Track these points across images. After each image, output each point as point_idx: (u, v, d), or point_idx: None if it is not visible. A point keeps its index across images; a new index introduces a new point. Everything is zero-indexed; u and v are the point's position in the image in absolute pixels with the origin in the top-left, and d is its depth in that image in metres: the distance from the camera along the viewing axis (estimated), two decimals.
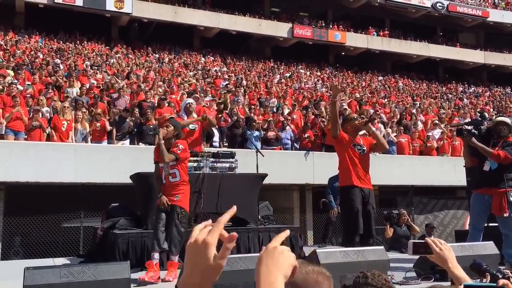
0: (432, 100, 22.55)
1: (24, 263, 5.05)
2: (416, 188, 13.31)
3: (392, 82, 27.90)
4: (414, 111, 17.15)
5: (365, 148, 5.90)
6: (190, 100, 7.92)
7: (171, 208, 5.29)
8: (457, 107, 21.34)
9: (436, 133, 14.49)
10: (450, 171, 12.63)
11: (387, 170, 12.68)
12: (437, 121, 15.15)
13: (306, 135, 12.70)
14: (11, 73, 13.67)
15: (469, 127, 5.81)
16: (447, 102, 22.99)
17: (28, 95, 11.57)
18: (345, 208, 5.78)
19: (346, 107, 13.78)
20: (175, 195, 5.34)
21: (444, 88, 29.00)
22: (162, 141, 5.32)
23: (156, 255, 5.24)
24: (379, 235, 12.00)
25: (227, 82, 18.30)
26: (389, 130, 13.77)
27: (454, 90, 28.63)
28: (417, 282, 4.81)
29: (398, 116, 15.91)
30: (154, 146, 5.73)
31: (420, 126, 14.89)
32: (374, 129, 5.79)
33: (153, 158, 5.60)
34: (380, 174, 12.53)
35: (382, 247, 5.03)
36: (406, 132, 14.26)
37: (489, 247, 5.21)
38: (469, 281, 2.06)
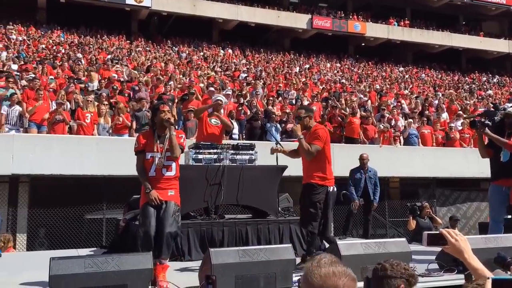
0: (454, 91, 22.16)
1: (49, 254, 5.16)
2: (439, 180, 13.14)
3: (414, 72, 27.50)
4: (436, 102, 16.88)
5: None
6: (220, 97, 7.68)
7: (165, 204, 4.58)
8: (480, 97, 20.93)
9: (460, 124, 14.26)
10: (473, 162, 12.40)
11: (408, 162, 12.54)
12: (460, 112, 14.89)
13: (327, 127, 12.62)
14: (35, 67, 13.88)
15: (482, 119, 5.73)
16: (469, 93, 22.57)
17: (50, 89, 11.74)
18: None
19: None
20: (168, 190, 4.66)
21: (467, 78, 28.45)
22: (174, 134, 4.72)
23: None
24: (400, 227, 11.93)
25: (246, 75, 18.28)
26: (411, 121, 13.60)
27: (478, 80, 28.07)
28: (440, 274, 4.76)
29: (420, 107, 15.70)
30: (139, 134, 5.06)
31: (444, 117, 14.68)
32: (299, 136, 5.32)
33: (134, 147, 4.92)
34: (401, 166, 12.43)
35: (404, 239, 4.98)
36: (428, 123, 14.07)
37: None
38: (486, 272, 2.03)
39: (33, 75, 12.17)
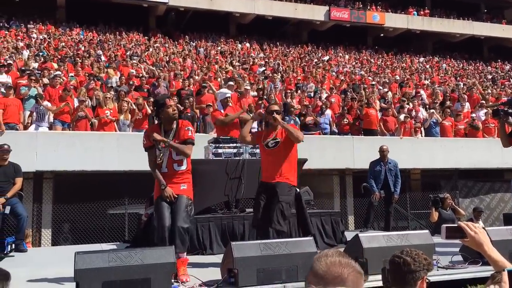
0: (477, 80, 21.76)
1: (73, 249, 5.26)
2: (461, 171, 12.94)
3: (434, 62, 27.07)
4: (458, 92, 16.59)
5: (278, 140, 5.17)
6: (228, 94, 7.74)
7: (177, 198, 4.55)
8: (503, 86, 20.49)
9: (482, 114, 14.00)
10: (496, 152, 12.20)
11: (429, 153, 12.38)
12: (483, 102, 14.61)
13: (344, 119, 12.55)
14: (55, 65, 14.09)
15: (506, 108, 5.60)
16: (492, 82, 22.12)
17: (71, 87, 11.90)
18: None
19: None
20: (181, 184, 4.62)
21: (489, 67, 27.89)
22: (171, 142, 4.61)
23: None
24: (422, 219, 11.81)
25: (264, 68, 18.25)
26: (432, 111, 13.40)
27: (500, 69, 27.49)
28: (464, 266, 4.70)
29: (441, 98, 15.46)
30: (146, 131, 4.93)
31: (466, 108, 14.43)
32: (282, 122, 5.21)
33: (143, 144, 4.82)
34: (422, 158, 12.28)
35: (427, 231, 4.93)
36: (450, 114, 13.84)
37: None
38: (507, 264, 2.01)
39: (56, 73, 12.36)
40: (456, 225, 2.14)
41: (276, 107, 5.37)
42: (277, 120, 5.15)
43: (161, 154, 4.64)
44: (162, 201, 4.52)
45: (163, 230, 4.43)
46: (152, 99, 11.89)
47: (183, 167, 4.67)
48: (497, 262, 2.02)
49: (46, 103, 10.40)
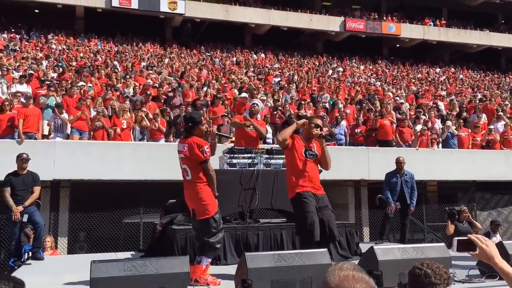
0: (494, 91, 21.51)
1: (89, 257, 5.30)
2: (478, 183, 12.76)
3: (451, 73, 26.86)
4: (476, 103, 16.41)
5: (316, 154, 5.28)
6: (256, 102, 7.70)
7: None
8: None
9: (500, 125, 13.82)
10: None
11: (446, 165, 12.24)
12: (501, 113, 14.43)
13: (359, 130, 12.49)
14: (74, 76, 14.32)
15: None
16: (510, 93, 21.86)
17: (89, 97, 12.08)
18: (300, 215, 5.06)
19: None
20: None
21: (507, 78, 27.57)
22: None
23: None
24: (439, 231, 11.66)
25: (279, 79, 18.30)
26: (449, 123, 13.27)
27: None
28: (481, 280, 4.62)
29: (458, 109, 15.31)
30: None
31: (483, 119, 14.26)
32: (324, 144, 5.24)
33: (205, 156, 4.75)
34: (438, 169, 12.14)
35: (443, 243, 4.87)
36: (466, 125, 13.70)
37: None
38: None
39: (80, 83, 12.55)
40: (466, 238, 2.14)
41: (320, 121, 5.42)
42: (321, 139, 5.22)
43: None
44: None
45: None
46: (169, 110, 12.01)
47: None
48: (510, 274, 2.01)
49: (64, 115, 10.54)
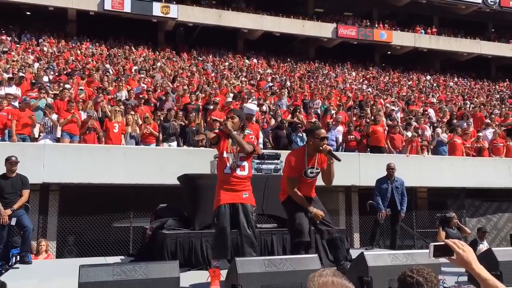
0: (484, 99, 21.73)
1: (78, 261, 5.26)
2: (468, 190, 12.85)
3: (441, 81, 27.09)
4: (466, 111, 16.56)
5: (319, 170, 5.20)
6: (254, 108, 7.56)
7: (241, 207, 4.72)
8: (511, 106, 20.43)
9: (489, 133, 13.94)
10: (504, 172, 12.13)
11: (437, 172, 12.32)
12: (489, 121, 14.57)
13: (351, 136, 12.54)
14: (65, 79, 14.22)
15: None
16: (500, 101, 22.07)
17: (80, 100, 12.02)
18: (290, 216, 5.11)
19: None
20: (243, 192, 4.77)
21: (496, 86, 27.86)
22: (234, 132, 4.74)
23: (218, 262, 4.83)
24: (429, 238, 11.70)
25: (271, 84, 18.33)
26: (439, 130, 13.37)
27: (508, 88, 27.45)
28: (470, 286, 4.64)
29: (448, 116, 15.43)
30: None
31: (472, 126, 14.39)
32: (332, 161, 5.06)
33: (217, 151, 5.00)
34: (429, 176, 12.21)
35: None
36: (455, 132, 13.80)
37: None
38: (497, 282, 1.99)
39: (65, 86, 12.49)
40: (443, 243, 2.11)
41: (325, 133, 5.17)
42: (329, 156, 4.98)
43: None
44: (223, 211, 4.72)
45: (227, 243, 4.71)
46: (160, 114, 11.96)
47: (245, 173, 4.83)
48: (487, 280, 2.00)
49: (54, 116, 10.48)
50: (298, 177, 5.00)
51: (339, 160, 4.93)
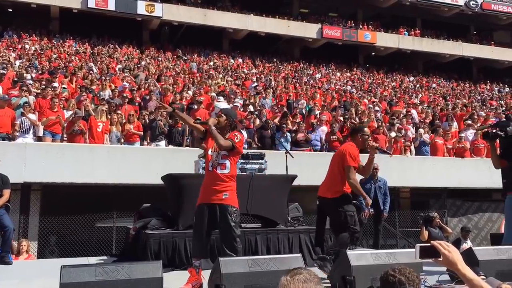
0: (466, 100, 22.03)
1: (60, 262, 5.20)
2: (450, 190, 13.02)
3: (424, 82, 27.40)
4: (448, 112, 16.76)
5: None
6: (218, 104, 7.61)
7: (219, 208, 4.66)
8: (492, 107, 20.76)
9: (470, 133, 14.15)
10: (485, 172, 12.30)
11: (419, 172, 12.46)
12: (470, 122, 14.78)
13: (334, 137, 12.61)
14: (47, 77, 14.05)
15: (495, 130, 5.71)
16: (481, 103, 22.41)
17: (63, 99, 11.88)
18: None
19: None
20: (223, 192, 4.67)
21: (478, 88, 28.29)
22: (213, 127, 4.72)
23: (198, 262, 4.80)
24: (411, 237, 11.83)
25: (256, 84, 18.34)
26: (422, 131, 13.52)
27: (489, 90, 27.89)
28: (451, 285, 4.70)
29: (431, 117, 15.61)
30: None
31: (454, 127, 14.57)
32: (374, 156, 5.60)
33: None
34: (411, 176, 12.34)
35: (414, 249, 4.93)
36: (437, 133, 13.98)
37: None
38: (482, 282, 2.02)
39: (53, 85, 12.33)
40: (429, 244, 2.14)
41: (368, 130, 5.81)
42: (374, 150, 5.58)
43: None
44: (201, 211, 4.72)
45: (201, 242, 4.77)
46: (145, 113, 11.89)
47: (226, 171, 4.73)
48: (472, 280, 2.03)
49: (31, 115, 10.32)
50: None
51: (390, 154, 6.16)
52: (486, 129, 6.12)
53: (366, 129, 5.75)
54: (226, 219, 4.63)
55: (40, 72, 14.82)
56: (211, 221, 4.69)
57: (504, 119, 6.15)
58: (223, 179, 4.70)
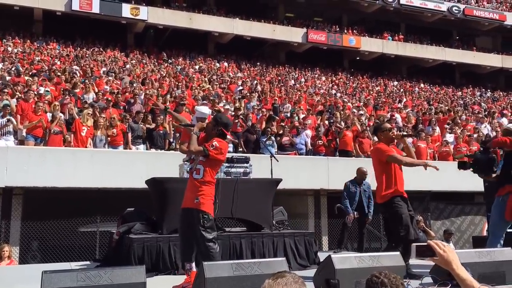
0: (448, 104, 22.32)
1: (42, 267, 5.13)
2: (433, 193, 13.15)
3: (408, 86, 27.70)
4: (430, 116, 16.96)
5: None
6: (207, 114, 7.47)
7: (189, 213, 4.77)
8: (475, 111, 21.07)
9: (449, 137, 14.32)
10: (467, 176, 12.41)
11: (403, 175, 12.54)
12: (452, 126, 14.97)
13: (319, 141, 12.66)
14: (30, 80, 13.87)
15: (471, 161, 6.12)
16: (463, 107, 22.73)
17: (45, 101, 11.73)
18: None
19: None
20: (194, 198, 4.73)
21: (460, 92, 28.69)
22: (196, 131, 4.83)
23: (189, 265, 4.91)
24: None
25: (241, 88, 18.35)
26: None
27: (471, 94, 28.31)
28: None
29: (414, 121, 15.77)
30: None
31: (437, 131, 14.74)
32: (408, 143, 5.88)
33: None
34: None
35: (398, 252, 4.98)
36: (419, 137, 14.12)
37: (508, 253, 5.12)
38: (474, 283, 2.05)
39: (42, 89, 12.18)
40: (426, 244, 2.18)
41: (388, 124, 6.12)
42: (403, 138, 6.13)
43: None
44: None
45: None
46: (128, 116, 11.81)
47: (199, 177, 4.78)
48: (465, 281, 2.07)
49: (11, 118, 10.17)
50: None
51: (414, 136, 5.88)
52: (463, 161, 6.62)
53: (384, 125, 6.06)
54: (196, 223, 4.69)
55: (21, 74, 14.59)
56: (188, 225, 4.79)
57: (481, 149, 6.29)
58: (196, 184, 4.77)
